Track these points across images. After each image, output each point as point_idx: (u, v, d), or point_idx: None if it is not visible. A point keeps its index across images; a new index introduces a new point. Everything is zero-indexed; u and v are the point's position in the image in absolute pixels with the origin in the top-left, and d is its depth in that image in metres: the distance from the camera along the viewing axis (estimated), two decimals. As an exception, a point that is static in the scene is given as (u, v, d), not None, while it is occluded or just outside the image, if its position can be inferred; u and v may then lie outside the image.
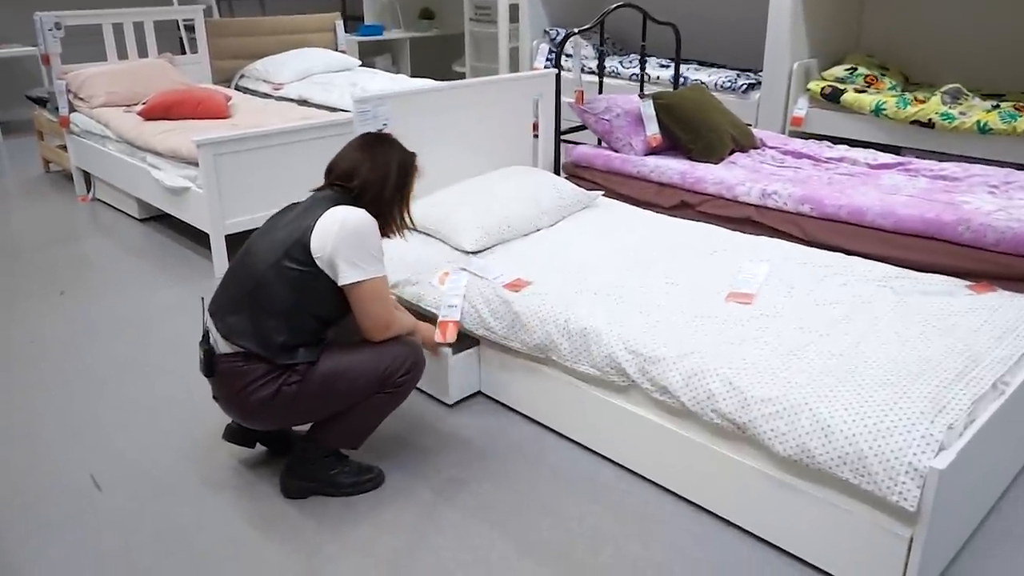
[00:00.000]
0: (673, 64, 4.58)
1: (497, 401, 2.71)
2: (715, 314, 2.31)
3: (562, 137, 3.62)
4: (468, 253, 2.80)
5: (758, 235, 2.95)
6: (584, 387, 2.37)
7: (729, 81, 5.44)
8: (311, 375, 2.07)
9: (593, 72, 4.45)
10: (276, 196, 3.66)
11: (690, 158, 3.53)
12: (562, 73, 3.55)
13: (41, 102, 5.40)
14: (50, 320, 3.37)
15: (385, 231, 2.20)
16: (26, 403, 2.74)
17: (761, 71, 5.13)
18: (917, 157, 3.70)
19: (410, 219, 2.26)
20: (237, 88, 5.70)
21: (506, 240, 2.89)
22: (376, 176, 2.13)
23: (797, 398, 1.91)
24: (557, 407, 2.50)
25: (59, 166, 5.46)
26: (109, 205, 4.90)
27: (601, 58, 3.98)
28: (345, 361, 2.11)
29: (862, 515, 1.83)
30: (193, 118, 4.39)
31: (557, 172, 3.65)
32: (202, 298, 2.18)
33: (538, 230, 3.01)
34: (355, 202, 2.11)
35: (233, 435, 2.32)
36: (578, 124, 4.11)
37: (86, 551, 2.07)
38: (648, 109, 3.53)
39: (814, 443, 1.85)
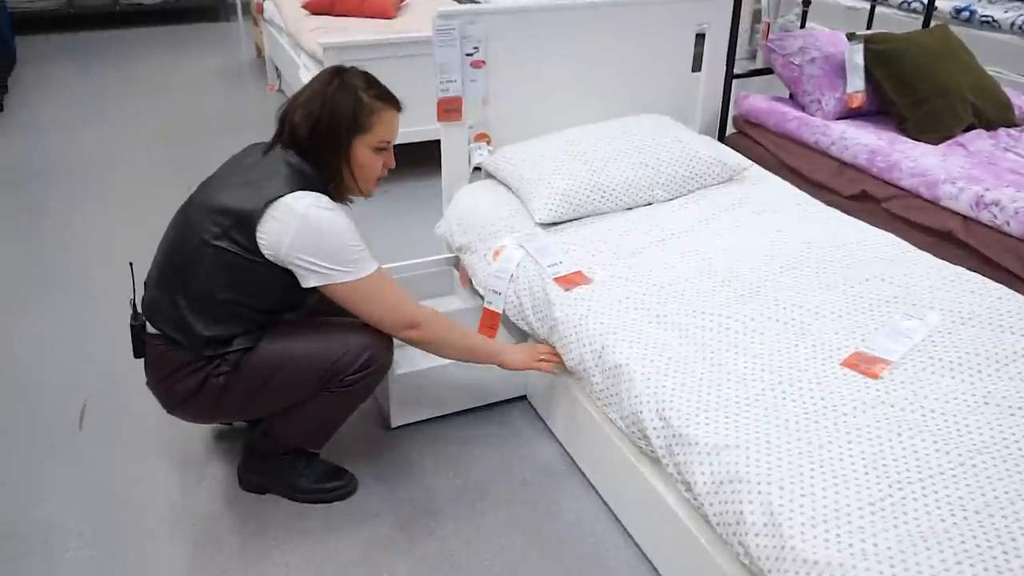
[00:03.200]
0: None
1: (537, 414, 2.16)
2: (812, 385, 1.56)
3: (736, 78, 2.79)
4: (539, 225, 2.21)
5: (955, 263, 2.02)
6: (615, 436, 1.76)
7: (1032, 22, 4.09)
8: (244, 365, 1.67)
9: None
10: (414, 111, 3.26)
11: (902, 131, 2.56)
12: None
13: (253, -15, 5.40)
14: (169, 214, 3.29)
15: (338, 198, 1.74)
16: (78, 308, 2.66)
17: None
18: None
19: (362, 186, 1.76)
20: (436, -15, 5.30)
21: (597, 213, 2.25)
22: (324, 131, 1.66)
23: (857, 573, 1.17)
24: (587, 449, 1.91)
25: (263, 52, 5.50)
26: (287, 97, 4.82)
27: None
28: (288, 350, 1.69)
29: None
30: (356, 15, 4.07)
31: (723, 127, 2.86)
32: (130, 263, 1.82)
33: (649, 204, 2.32)
34: (306, 158, 1.66)
35: None
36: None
37: (27, 482, 1.90)
38: (855, 56, 2.59)
39: (864, 661, 1.12)
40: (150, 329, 1.70)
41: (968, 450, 1.39)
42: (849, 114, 2.65)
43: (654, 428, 1.56)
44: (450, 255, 2.55)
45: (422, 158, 3.36)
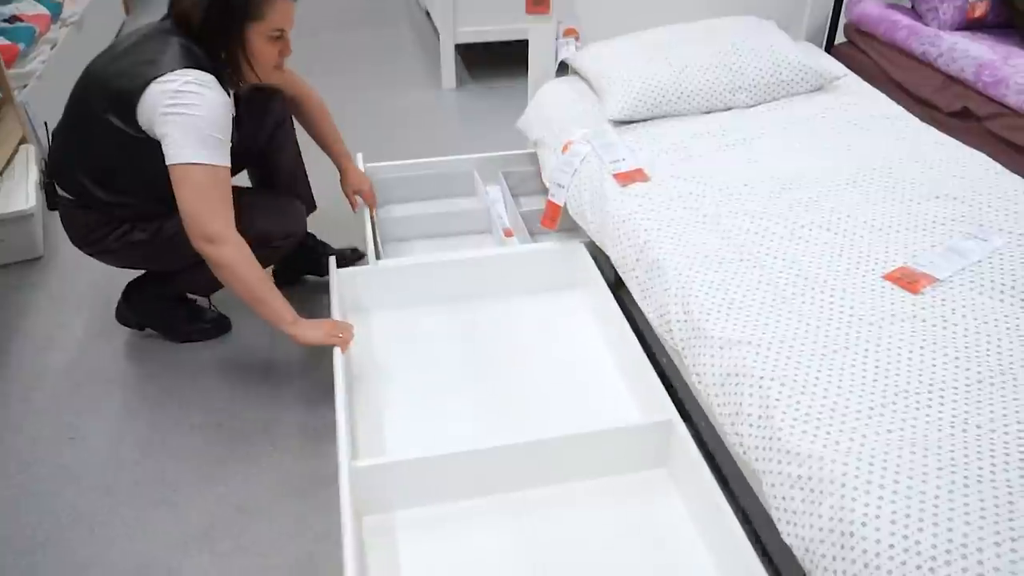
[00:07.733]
0: None
1: (592, 310, 2.23)
2: (846, 294, 1.54)
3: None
4: (612, 122, 2.22)
5: (1051, 187, 1.88)
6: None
7: None
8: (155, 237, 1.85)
9: None
10: (518, 5, 3.27)
11: (1027, 45, 2.35)
12: None
13: None
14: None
15: (232, 84, 1.76)
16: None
17: None
18: None
19: (259, 72, 1.74)
20: None
21: (673, 114, 2.23)
22: (216, 17, 1.64)
23: (836, 468, 1.19)
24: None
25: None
26: None
27: None
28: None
29: None
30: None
31: (832, 35, 2.71)
32: (44, 123, 1.92)
33: (728, 109, 2.27)
34: (198, 44, 1.67)
35: None
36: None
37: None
38: (984, -41, 2.37)
39: (826, 548, 1.16)
40: (60, 191, 1.83)
41: (990, 370, 1.35)
42: (970, 25, 2.45)
43: (678, 321, 1.60)
44: (531, 151, 2.60)
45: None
